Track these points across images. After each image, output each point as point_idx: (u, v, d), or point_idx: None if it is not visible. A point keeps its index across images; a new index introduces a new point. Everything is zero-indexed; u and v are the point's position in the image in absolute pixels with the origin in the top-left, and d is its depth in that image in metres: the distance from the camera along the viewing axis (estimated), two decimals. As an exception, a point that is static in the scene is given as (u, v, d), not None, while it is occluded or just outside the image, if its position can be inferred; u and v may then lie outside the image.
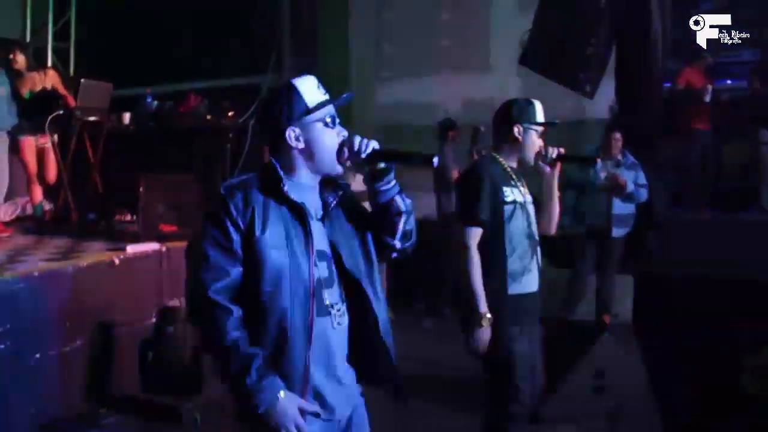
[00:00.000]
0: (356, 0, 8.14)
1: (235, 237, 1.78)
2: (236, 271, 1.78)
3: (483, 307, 2.77)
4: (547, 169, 2.98)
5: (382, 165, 1.89)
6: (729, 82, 7.63)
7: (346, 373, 1.90)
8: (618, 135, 5.86)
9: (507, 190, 2.86)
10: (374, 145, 1.88)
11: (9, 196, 6.37)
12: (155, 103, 7.55)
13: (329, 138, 1.88)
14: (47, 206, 6.38)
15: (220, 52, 8.21)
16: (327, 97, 1.91)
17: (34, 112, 5.89)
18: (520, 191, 2.92)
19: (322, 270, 1.84)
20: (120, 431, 3.98)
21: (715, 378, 4.40)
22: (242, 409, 1.77)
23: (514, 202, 2.86)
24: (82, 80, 6.02)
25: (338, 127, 1.92)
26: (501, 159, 2.96)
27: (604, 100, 6.61)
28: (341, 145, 1.88)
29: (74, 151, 6.16)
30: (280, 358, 1.77)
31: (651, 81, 6.07)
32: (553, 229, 3.09)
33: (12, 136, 5.88)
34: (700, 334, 4.94)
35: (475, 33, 7.65)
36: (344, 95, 1.97)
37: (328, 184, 1.95)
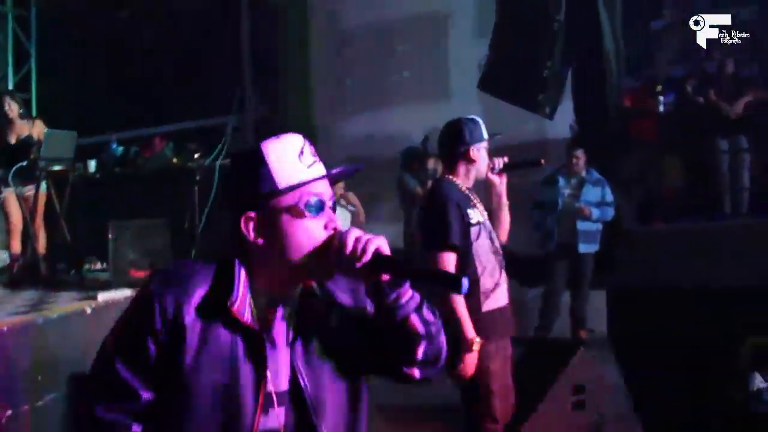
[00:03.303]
0: (316, 38, 8.20)
1: (153, 353, 1.35)
2: (145, 396, 1.37)
3: (471, 332, 2.77)
4: (497, 180, 3.07)
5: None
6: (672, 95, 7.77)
7: None
8: (579, 153, 5.98)
9: (470, 212, 2.91)
10: (378, 244, 1.32)
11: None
12: (120, 149, 7.54)
13: (306, 230, 1.36)
14: (16, 258, 6.30)
15: (184, 95, 8.21)
16: (313, 169, 1.39)
17: (16, 161, 5.92)
18: (479, 211, 2.98)
19: (275, 418, 1.38)
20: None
21: (693, 385, 4.44)
22: None
23: (479, 222, 2.92)
24: (46, 130, 5.99)
25: (328, 213, 1.40)
26: (458, 182, 3.01)
27: (564, 119, 6.75)
28: (327, 244, 1.35)
29: (40, 201, 6.08)
30: None
31: (606, 99, 6.22)
32: (504, 238, 3.16)
33: None
34: (675, 343, 5.00)
35: (433, 62, 7.78)
36: (346, 168, 1.48)
37: (312, 297, 1.44)
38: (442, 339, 1.45)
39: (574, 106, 6.51)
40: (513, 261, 3.15)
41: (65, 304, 4.67)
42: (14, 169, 5.78)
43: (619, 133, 6.80)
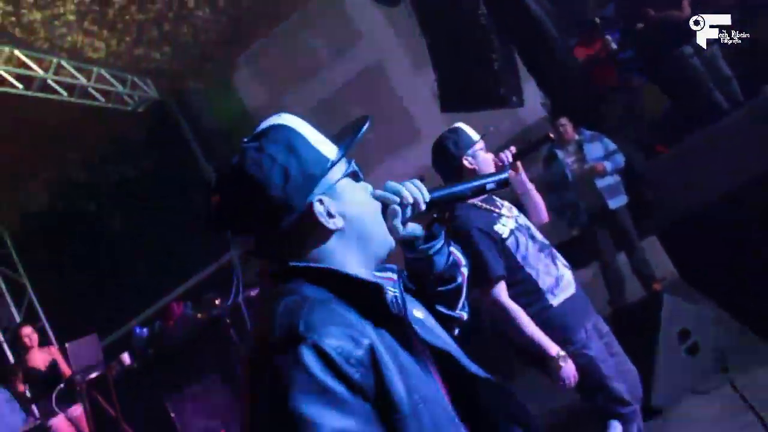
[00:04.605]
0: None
1: (361, 408, 1.08)
2: None
3: (552, 348, 2.61)
4: (513, 173, 2.92)
5: (435, 215, 1.37)
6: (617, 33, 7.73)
7: None
8: (563, 121, 5.88)
9: (498, 228, 2.75)
10: (422, 185, 1.34)
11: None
12: (144, 330, 7.44)
13: (366, 194, 1.31)
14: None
15: (179, 254, 8.18)
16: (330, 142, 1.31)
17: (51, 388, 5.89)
18: (507, 216, 2.82)
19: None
20: None
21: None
22: None
23: (511, 232, 2.76)
24: (67, 344, 5.93)
25: (363, 182, 1.34)
26: (470, 200, 2.85)
27: (534, 100, 6.68)
28: (385, 204, 1.31)
29: (92, 414, 5.96)
30: None
31: (560, 62, 6.16)
32: (545, 217, 3.03)
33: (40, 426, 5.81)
34: (744, 253, 4.81)
35: (389, 111, 7.76)
36: (362, 128, 1.32)
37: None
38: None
39: (537, 82, 6.44)
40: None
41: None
42: (54, 395, 5.70)
43: (587, 87, 6.73)
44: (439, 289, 1.40)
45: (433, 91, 6.50)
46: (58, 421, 5.98)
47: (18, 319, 8.68)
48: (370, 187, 1.32)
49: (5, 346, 8.24)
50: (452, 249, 1.41)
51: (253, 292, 7.31)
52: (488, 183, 1.39)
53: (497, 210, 2.82)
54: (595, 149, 5.81)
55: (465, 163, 2.81)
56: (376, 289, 1.18)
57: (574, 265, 6.26)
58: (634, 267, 5.94)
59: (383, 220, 1.29)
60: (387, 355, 1.12)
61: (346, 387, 1.06)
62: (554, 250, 2.89)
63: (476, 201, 2.81)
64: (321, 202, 1.21)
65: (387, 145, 7.60)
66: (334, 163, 1.23)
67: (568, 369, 2.58)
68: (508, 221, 2.79)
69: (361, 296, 1.18)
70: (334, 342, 1.07)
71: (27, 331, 6.39)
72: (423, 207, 1.30)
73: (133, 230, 8.38)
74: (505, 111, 6.42)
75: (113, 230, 8.41)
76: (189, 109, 8.21)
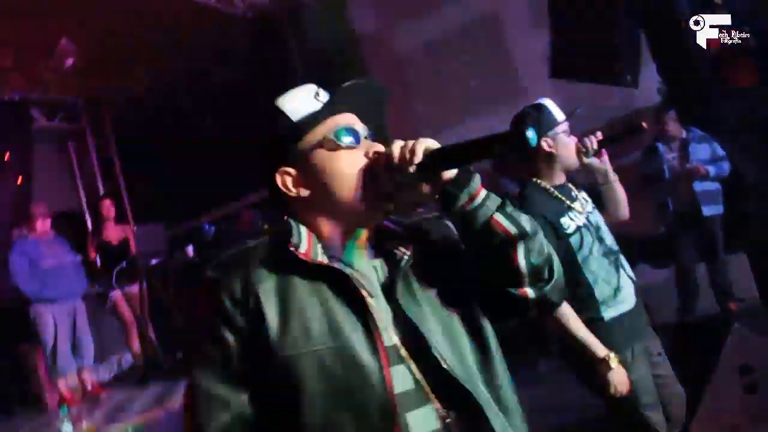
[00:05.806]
0: (373, 69, 8.08)
1: (233, 344, 1.19)
2: (240, 400, 1.19)
3: (601, 350, 2.43)
4: (596, 161, 2.70)
5: (451, 173, 1.21)
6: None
7: None
8: (672, 113, 5.51)
9: (564, 221, 2.55)
10: (425, 143, 1.19)
11: (103, 357, 6.51)
12: (213, 228, 7.64)
13: (347, 162, 1.25)
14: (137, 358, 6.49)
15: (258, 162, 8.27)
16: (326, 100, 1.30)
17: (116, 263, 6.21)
18: (579, 210, 2.61)
19: (401, 379, 1.19)
20: None
21: None
22: None
23: (578, 228, 2.56)
24: (135, 228, 6.17)
25: (366, 143, 1.29)
26: (544, 184, 2.64)
27: (651, 83, 6.25)
28: (372, 165, 1.25)
29: (147, 296, 6.23)
30: None
31: (686, 48, 5.69)
32: (625, 213, 2.80)
33: (101, 294, 6.17)
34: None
35: (496, 62, 7.46)
36: (355, 81, 1.32)
37: (387, 234, 1.32)
38: (545, 243, 1.27)
39: (658, 66, 6.00)
40: (635, 243, 2.77)
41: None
42: (116, 271, 5.96)
43: (713, 83, 6.23)
44: (483, 257, 1.25)
45: (546, 53, 6.17)
46: (116, 294, 6.29)
47: (102, 191, 9.10)
48: (378, 147, 1.28)
49: (87, 215, 8.69)
50: (498, 215, 1.21)
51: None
52: (496, 140, 1.15)
53: (569, 201, 2.62)
54: (701, 150, 5.44)
55: (543, 144, 2.60)
56: (287, 245, 1.23)
57: (652, 264, 5.98)
58: (713, 280, 5.60)
59: (371, 179, 1.24)
60: (285, 302, 1.18)
61: (223, 320, 1.19)
62: (622, 258, 2.67)
63: (549, 188, 2.63)
64: (285, 173, 1.29)
65: (487, 100, 7.33)
66: (294, 134, 1.28)
67: (619, 373, 2.42)
68: (577, 216, 2.59)
69: (279, 250, 1.24)
70: (227, 284, 1.20)
71: (107, 203, 6.71)
72: (412, 169, 1.18)
73: (223, 131, 8.49)
74: (617, 89, 6.04)
75: (204, 127, 8.53)
76: (297, 24, 8.12)
